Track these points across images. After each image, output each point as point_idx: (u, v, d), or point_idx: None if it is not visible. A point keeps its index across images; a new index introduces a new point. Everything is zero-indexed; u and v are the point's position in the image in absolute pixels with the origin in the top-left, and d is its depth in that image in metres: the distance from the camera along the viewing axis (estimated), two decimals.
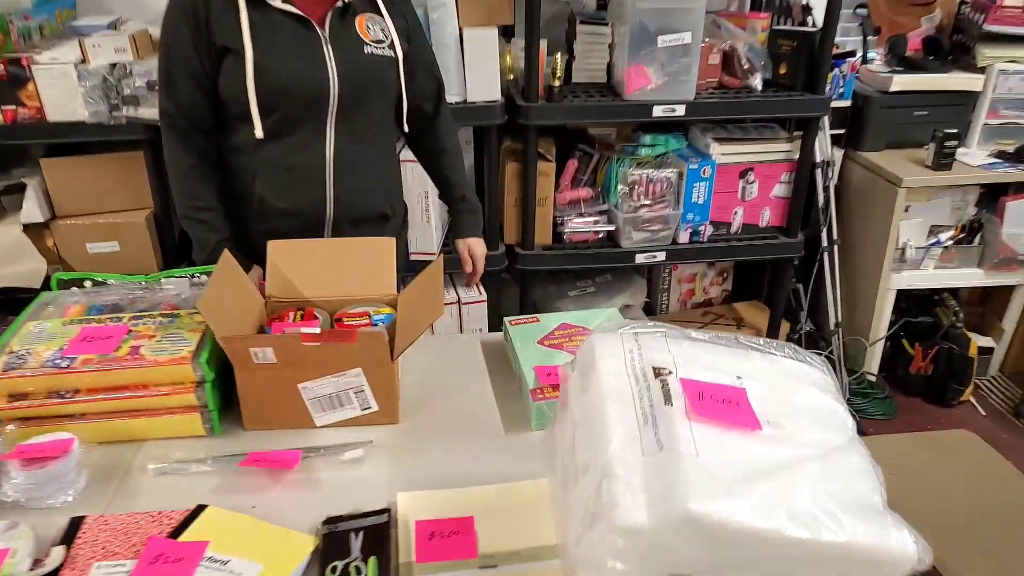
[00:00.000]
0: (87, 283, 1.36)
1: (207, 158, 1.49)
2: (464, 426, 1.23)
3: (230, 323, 1.14)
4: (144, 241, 2.19)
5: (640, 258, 2.41)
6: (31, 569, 0.90)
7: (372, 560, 0.92)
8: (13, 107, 2.00)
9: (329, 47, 1.43)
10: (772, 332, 2.62)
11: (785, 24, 2.58)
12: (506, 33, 2.41)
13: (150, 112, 1.99)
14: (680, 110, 2.24)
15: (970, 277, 2.69)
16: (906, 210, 2.56)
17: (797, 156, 2.45)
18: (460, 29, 2.10)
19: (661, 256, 2.43)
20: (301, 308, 1.31)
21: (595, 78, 2.41)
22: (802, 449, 0.84)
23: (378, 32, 1.50)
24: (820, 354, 1.01)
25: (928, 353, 2.62)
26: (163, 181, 2.12)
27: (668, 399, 0.85)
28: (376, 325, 1.29)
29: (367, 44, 1.48)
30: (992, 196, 2.64)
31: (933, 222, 2.65)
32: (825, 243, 2.62)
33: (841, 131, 2.71)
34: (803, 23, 2.54)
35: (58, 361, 1.10)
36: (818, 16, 2.47)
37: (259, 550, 0.93)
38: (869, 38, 2.77)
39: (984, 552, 2.03)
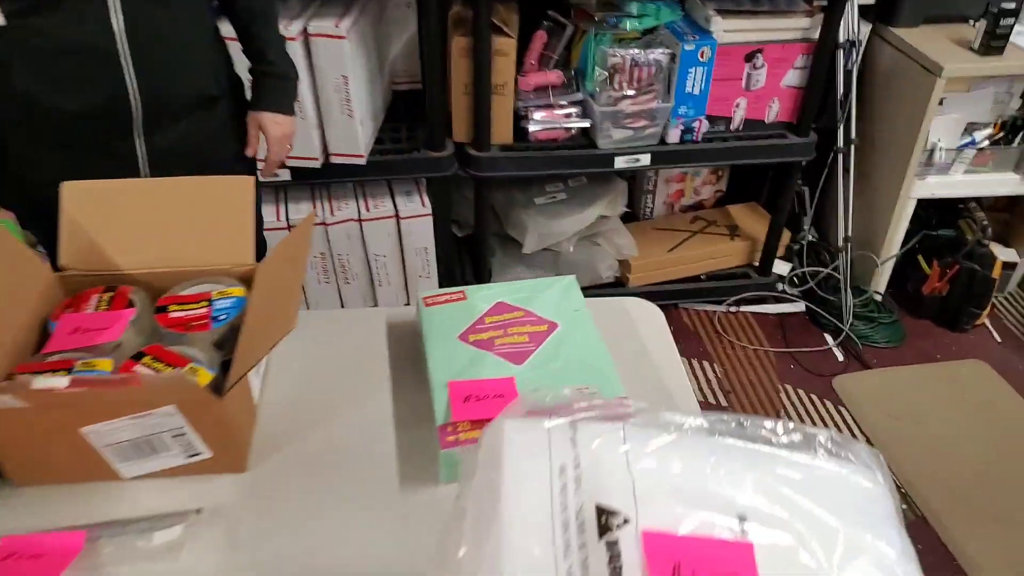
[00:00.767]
0: None
1: None
2: (345, 475, 0.88)
3: None
4: None
5: (620, 162, 1.99)
6: None
7: None
8: None
9: None
10: (771, 242, 2.25)
11: None
12: None
13: None
14: None
15: (1004, 184, 2.29)
16: (940, 103, 2.12)
17: (817, 34, 1.97)
18: None
19: (645, 159, 2.00)
20: (111, 287, 0.92)
21: None
22: None
23: None
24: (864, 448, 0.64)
25: (946, 273, 2.27)
26: None
27: None
28: (218, 318, 0.91)
29: None
30: None
31: (970, 119, 2.21)
32: (841, 142, 2.19)
33: (870, 0, 2.21)
34: None
35: None
36: None
37: None
38: None
39: (994, 519, 1.77)
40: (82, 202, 0.92)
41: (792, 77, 2.04)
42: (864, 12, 2.19)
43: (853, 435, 1.92)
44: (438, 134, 1.89)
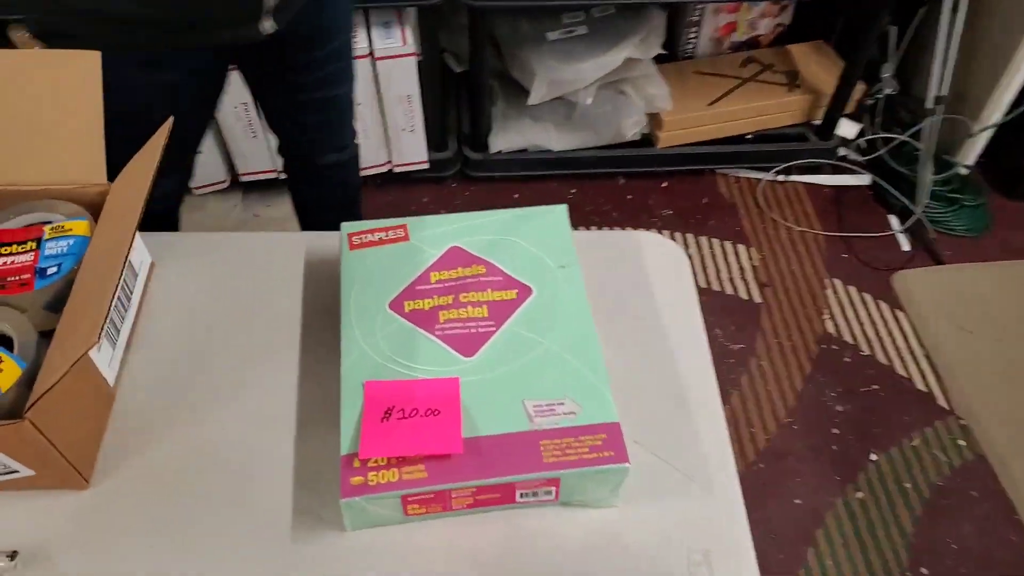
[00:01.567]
0: None
1: None
2: (221, 501, 0.62)
3: None
4: None
5: None
6: None
7: None
8: None
9: None
10: (840, 95, 1.83)
11: None
12: None
13: None
14: None
15: None
16: None
17: None
18: None
19: None
20: None
21: None
22: None
23: None
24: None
25: None
26: None
27: None
28: (48, 271, 0.62)
29: None
30: None
31: None
32: None
33: None
34: None
35: None
36: None
37: None
38: None
39: None
40: None
41: None
42: None
43: (910, 348, 1.63)
44: None
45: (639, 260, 0.80)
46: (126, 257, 0.56)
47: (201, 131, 1.09)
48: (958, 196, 1.86)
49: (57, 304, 0.64)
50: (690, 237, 1.81)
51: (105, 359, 0.65)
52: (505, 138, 1.81)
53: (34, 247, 0.67)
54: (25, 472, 0.60)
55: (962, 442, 1.48)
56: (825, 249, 1.80)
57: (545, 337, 0.66)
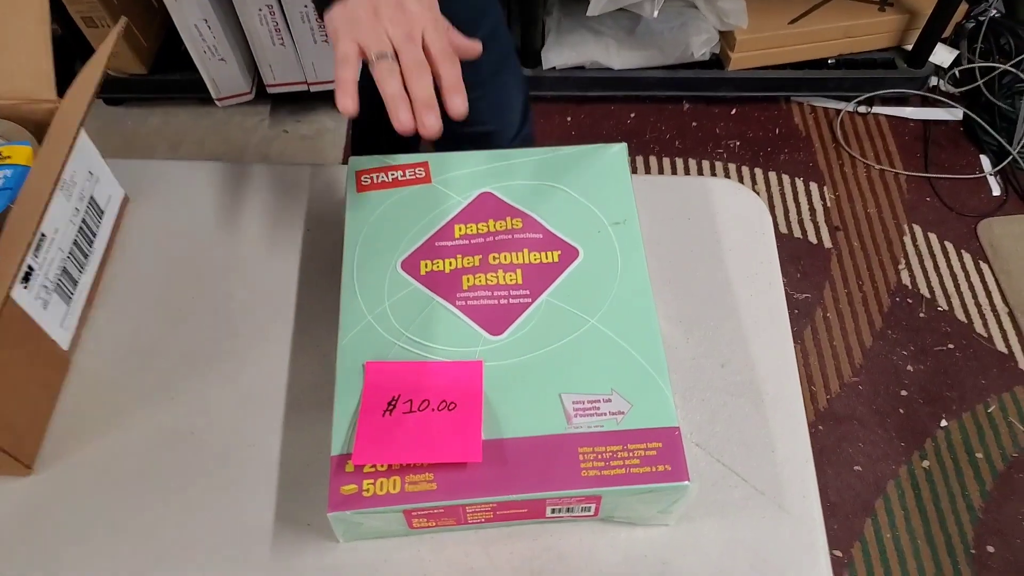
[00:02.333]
0: None
1: None
2: (192, 500, 0.52)
3: None
4: None
5: None
6: None
7: None
8: None
9: None
10: (937, 17, 1.60)
11: None
12: None
13: None
14: None
15: None
16: None
17: None
18: None
19: None
20: None
21: None
22: None
23: None
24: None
25: None
26: None
27: None
28: None
29: None
30: None
31: None
32: None
33: None
34: None
35: None
36: None
37: None
38: None
39: None
40: None
41: None
42: None
43: (992, 305, 1.46)
44: None
45: (711, 214, 0.66)
46: (55, 184, 0.44)
47: None
48: None
49: None
50: (758, 172, 1.63)
51: (55, 317, 0.54)
52: (559, 53, 1.63)
53: None
54: None
55: None
56: (906, 191, 1.61)
57: (592, 314, 0.53)
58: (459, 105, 0.53)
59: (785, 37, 1.64)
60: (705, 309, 0.60)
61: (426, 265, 0.56)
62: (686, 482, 0.47)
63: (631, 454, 0.48)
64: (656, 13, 1.55)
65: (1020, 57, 1.61)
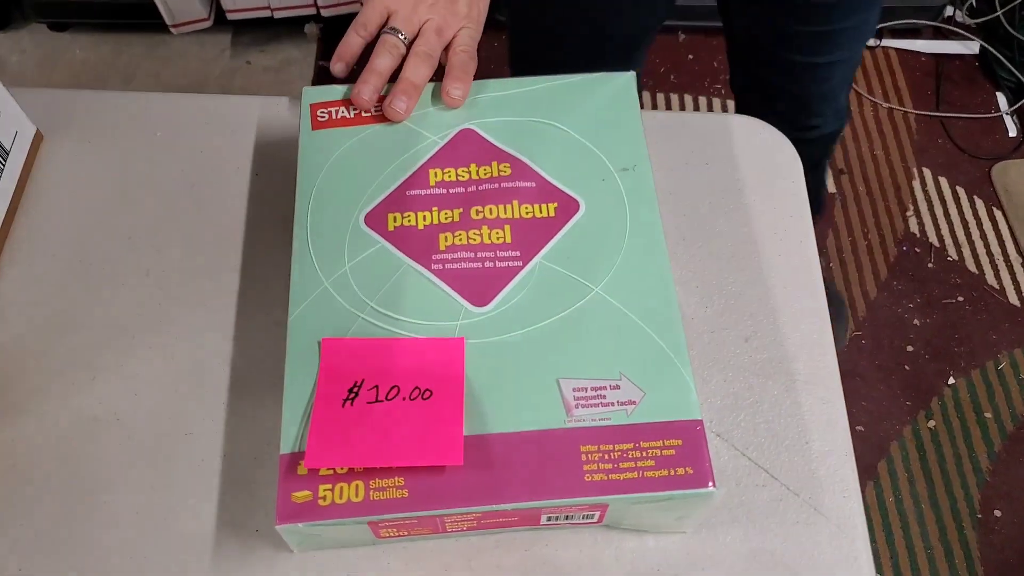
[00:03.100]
0: None
1: None
2: (117, 502, 0.43)
3: None
4: None
5: None
6: None
7: None
8: None
9: None
10: None
11: None
12: None
13: None
14: None
15: None
16: None
17: None
18: None
19: None
20: None
21: None
22: None
23: None
24: None
25: None
26: None
27: None
28: None
29: None
30: None
31: None
32: None
33: None
34: None
35: None
36: None
37: None
38: None
39: None
40: None
41: None
42: None
43: (1005, 254, 1.38)
44: None
45: (731, 158, 0.56)
46: None
47: None
48: None
49: None
50: None
51: None
52: None
53: None
54: None
55: None
56: (916, 131, 1.51)
57: (595, 280, 0.44)
58: (457, 99, 0.50)
59: None
60: (725, 272, 0.51)
61: (395, 219, 0.46)
62: (710, 488, 0.39)
63: (644, 454, 0.39)
64: None
65: None
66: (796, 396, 0.47)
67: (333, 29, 1.52)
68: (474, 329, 0.43)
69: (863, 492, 0.45)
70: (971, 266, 1.37)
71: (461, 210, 0.46)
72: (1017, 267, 1.37)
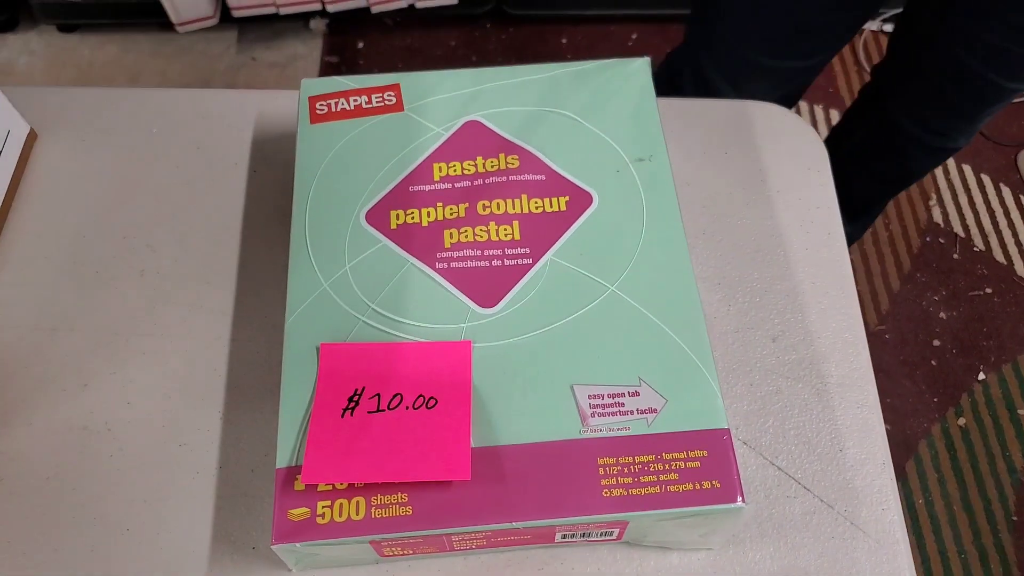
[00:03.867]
0: None
1: None
2: (107, 517, 0.41)
3: None
4: None
5: None
6: None
7: None
8: None
9: None
10: None
11: None
12: None
13: None
14: None
15: None
16: None
17: None
18: None
19: None
20: None
21: None
22: None
23: None
24: None
25: None
26: None
27: None
28: None
29: None
30: None
31: None
32: None
33: None
34: None
35: None
36: None
37: None
38: None
39: None
40: None
41: None
42: None
43: (1021, 253, 1.34)
44: None
45: (754, 147, 0.53)
46: None
47: None
48: None
49: None
50: None
51: None
52: None
53: None
54: None
55: None
56: None
57: (611, 278, 0.41)
58: None
59: None
60: (750, 268, 0.48)
61: (397, 216, 0.43)
62: (739, 504, 0.36)
63: (667, 466, 0.36)
64: None
65: None
66: (828, 400, 0.44)
67: (339, 24, 1.49)
68: (481, 332, 0.40)
69: None
70: (999, 256, 1.33)
71: (467, 205, 0.43)
72: None
